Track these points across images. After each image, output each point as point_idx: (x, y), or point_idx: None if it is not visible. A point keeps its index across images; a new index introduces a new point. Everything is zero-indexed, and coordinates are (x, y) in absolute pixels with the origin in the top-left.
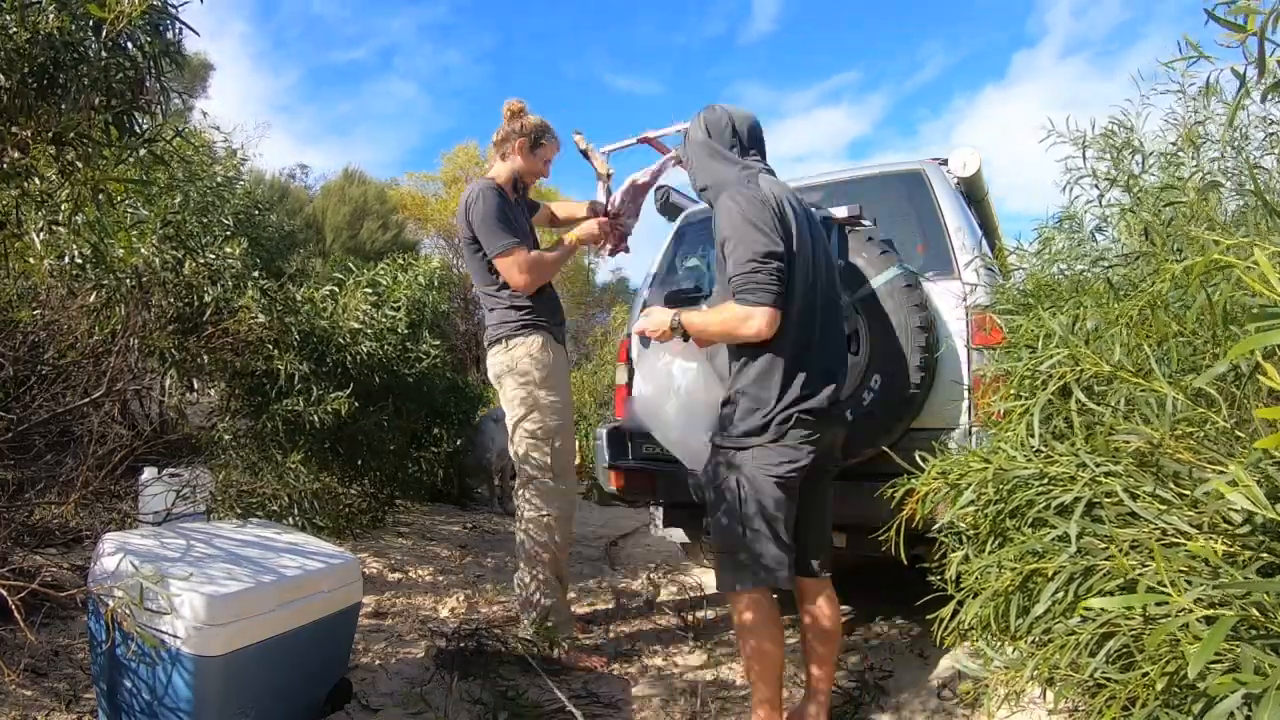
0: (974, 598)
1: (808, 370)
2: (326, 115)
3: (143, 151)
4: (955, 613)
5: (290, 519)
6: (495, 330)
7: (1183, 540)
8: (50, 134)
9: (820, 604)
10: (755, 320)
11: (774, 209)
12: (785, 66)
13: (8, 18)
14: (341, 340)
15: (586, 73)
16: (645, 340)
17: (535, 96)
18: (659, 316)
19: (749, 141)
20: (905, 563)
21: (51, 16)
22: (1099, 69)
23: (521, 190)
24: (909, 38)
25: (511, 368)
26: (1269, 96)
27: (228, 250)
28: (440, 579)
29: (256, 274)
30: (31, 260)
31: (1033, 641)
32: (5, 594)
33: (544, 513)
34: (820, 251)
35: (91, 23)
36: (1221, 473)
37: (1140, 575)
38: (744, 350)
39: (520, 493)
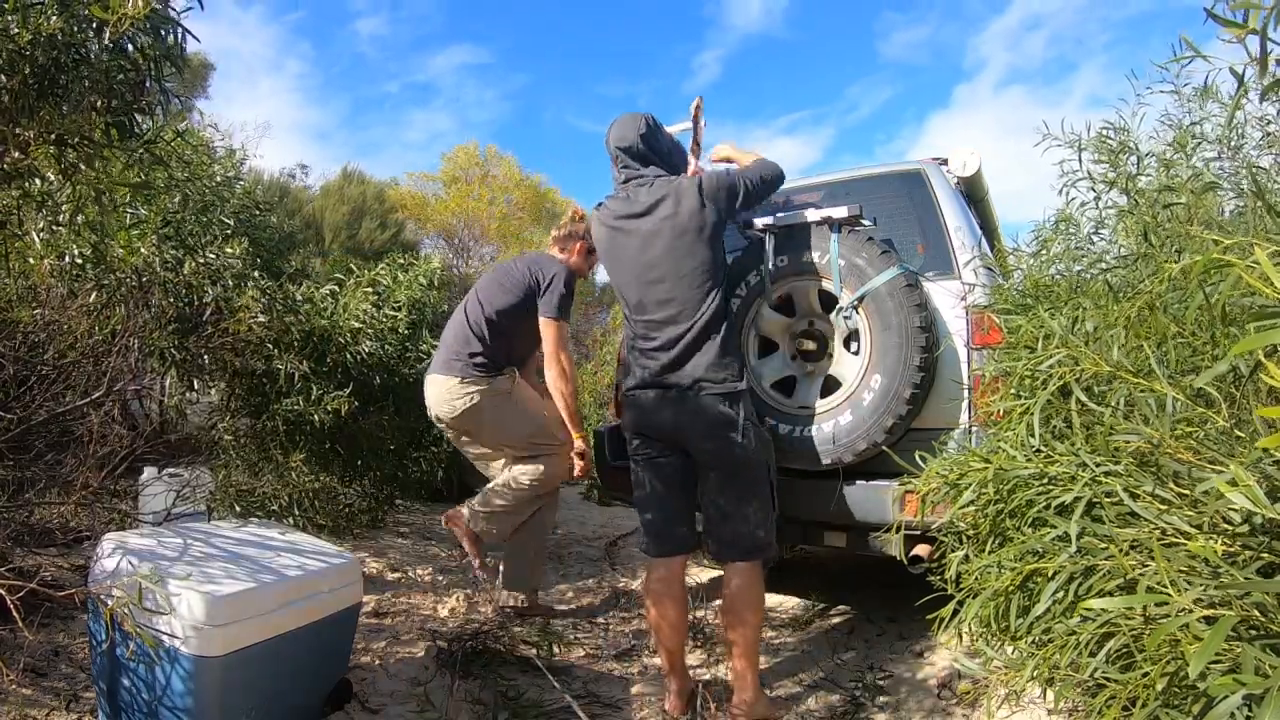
0: (974, 598)
1: (634, 361)
2: (357, 139)
3: (142, 152)
4: (955, 613)
5: (290, 519)
6: (472, 369)
7: (1183, 540)
8: (51, 135)
9: (730, 583)
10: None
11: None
12: (735, 110)
13: (10, 19)
14: (342, 340)
15: (556, 116)
16: None
17: (524, 129)
18: None
19: (614, 157)
20: (905, 562)
21: (53, 18)
22: (1038, 98)
23: None
24: (849, 80)
25: (479, 398)
26: (1268, 96)
27: (228, 250)
28: (440, 579)
29: (256, 274)
30: (32, 260)
31: (1033, 641)
32: (5, 594)
33: (535, 480)
34: (648, 254)
35: (93, 25)
36: (1221, 472)
37: (1140, 575)
38: None
39: (512, 468)
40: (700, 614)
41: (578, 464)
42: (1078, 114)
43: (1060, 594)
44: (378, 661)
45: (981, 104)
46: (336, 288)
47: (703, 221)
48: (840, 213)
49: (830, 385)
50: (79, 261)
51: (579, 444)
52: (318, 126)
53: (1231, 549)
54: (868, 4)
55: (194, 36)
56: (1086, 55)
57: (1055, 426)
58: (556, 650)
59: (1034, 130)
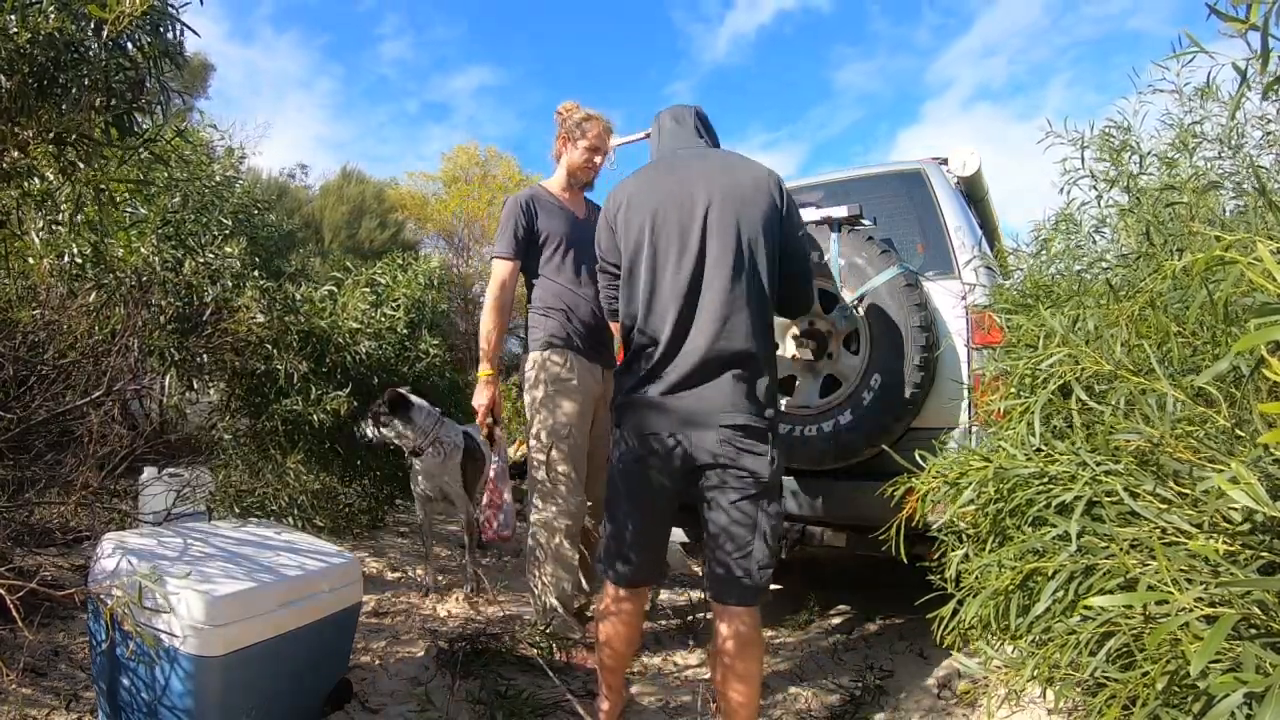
0: (974, 597)
1: (650, 360)
2: (374, 151)
3: (143, 151)
4: (955, 612)
5: (290, 519)
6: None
7: (1183, 539)
8: (51, 134)
9: (723, 635)
10: None
11: (614, 205)
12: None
13: (9, 18)
14: (341, 340)
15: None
16: None
17: (529, 140)
18: None
19: (669, 135)
20: (905, 562)
21: (52, 17)
22: (1007, 113)
23: (578, 187)
24: (810, 104)
25: (524, 376)
26: (1269, 93)
27: (227, 250)
28: (440, 579)
29: (256, 273)
30: (31, 260)
31: (1033, 641)
32: (5, 594)
33: (543, 514)
34: (693, 236)
35: (92, 23)
36: (1222, 471)
37: (1141, 574)
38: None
39: (528, 495)
40: (700, 614)
41: (480, 398)
42: (1036, 133)
43: (1060, 593)
44: (378, 661)
45: (951, 119)
46: (334, 288)
47: None
48: (840, 212)
49: (830, 385)
50: (79, 261)
51: (483, 380)
52: (337, 139)
53: (1232, 548)
54: (820, 39)
55: (193, 31)
56: (1050, 73)
57: (1055, 425)
58: (556, 651)
59: (1001, 141)
